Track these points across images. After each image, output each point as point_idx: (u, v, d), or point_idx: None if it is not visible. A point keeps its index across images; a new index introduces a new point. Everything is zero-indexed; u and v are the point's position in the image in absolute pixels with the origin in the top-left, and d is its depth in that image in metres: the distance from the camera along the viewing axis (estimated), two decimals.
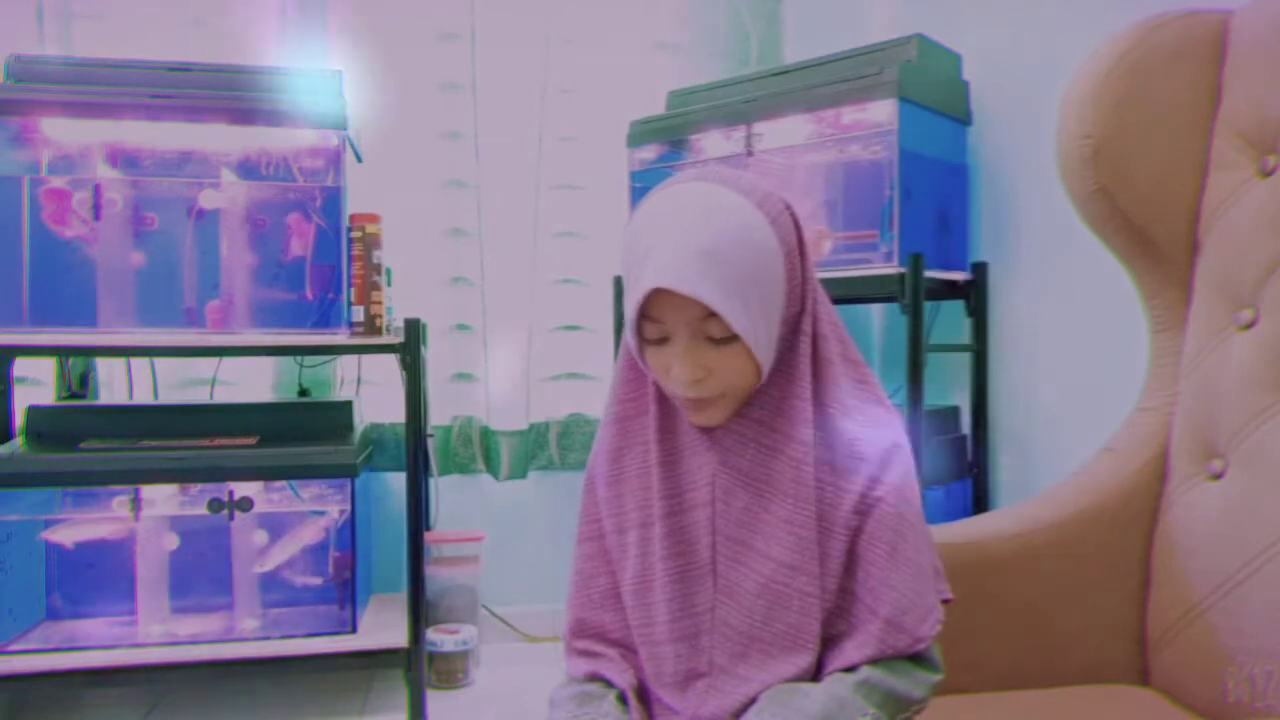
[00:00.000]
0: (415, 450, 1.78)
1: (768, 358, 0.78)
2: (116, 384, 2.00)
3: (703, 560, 0.83)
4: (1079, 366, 1.61)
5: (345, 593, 1.80)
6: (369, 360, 2.12)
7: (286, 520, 1.85)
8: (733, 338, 0.75)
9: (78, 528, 1.77)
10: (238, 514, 1.75)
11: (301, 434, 1.82)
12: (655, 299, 0.75)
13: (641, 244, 0.76)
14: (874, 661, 0.78)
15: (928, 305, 1.66)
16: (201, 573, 1.83)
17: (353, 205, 1.82)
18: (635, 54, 2.26)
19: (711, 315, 0.74)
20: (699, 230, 0.74)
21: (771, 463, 0.81)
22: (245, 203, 1.78)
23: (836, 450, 0.80)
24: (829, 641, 0.81)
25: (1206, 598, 1.00)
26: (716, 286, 0.73)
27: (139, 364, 2.00)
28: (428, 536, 2.01)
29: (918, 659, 0.80)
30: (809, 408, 0.80)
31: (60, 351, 1.81)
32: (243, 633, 1.78)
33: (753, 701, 0.78)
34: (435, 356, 2.14)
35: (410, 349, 1.76)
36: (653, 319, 0.77)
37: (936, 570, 0.84)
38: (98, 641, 1.70)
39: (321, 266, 1.80)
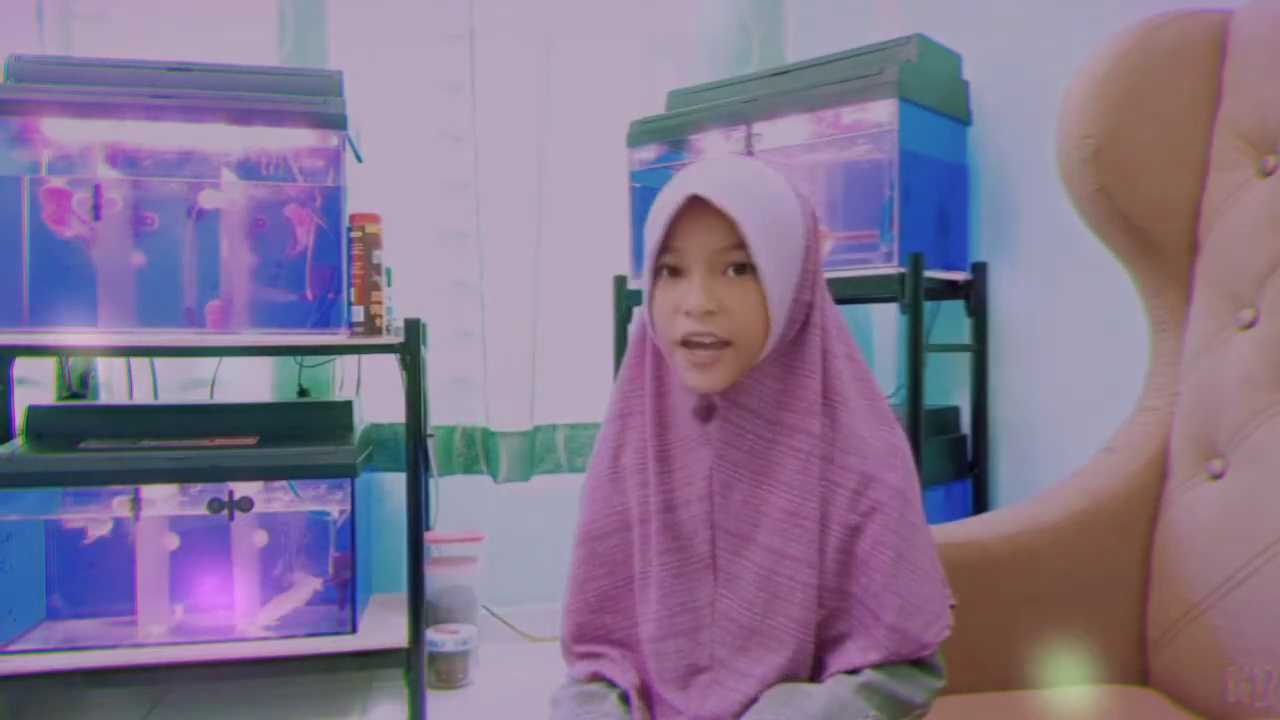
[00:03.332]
0: (415, 450, 1.78)
1: (779, 312, 0.78)
2: (116, 384, 2.00)
3: (702, 555, 0.83)
4: (1079, 366, 1.61)
5: (345, 593, 1.80)
6: (369, 360, 2.12)
7: (287, 520, 1.85)
8: (749, 272, 0.77)
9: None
10: (238, 514, 1.75)
11: (301, 434, 1.82)
12: (680, 228, 0.77)
13: (672, 186, 0.79)
14: (877, 665, 0.78)
15: (928, 305, 1.66)
16: (201, 573, 1.83)
17: (353, 205, 1.82)
18: (635, 54, 2.26)
19: (733, 246, 0.76)
20: (736, 171, 0.79)
21: (770, 453, 0.81)
22: (245, 203, 1.78)
23: (836, 444, 0.80)
24: (831, 642, 0.81)
25: (1206, 598, 1.00)
26: (749, 211, 0.75)
27: (139, 364, 2.00)
28: (428, 536, 2.01)
29: (921, 663, 0.80)
30: (818, 399, 0.80)
31: (60, 351, 1.81)
32: (243, 633, 1.78)
33: (754, 700, 0.78)
34: (435, 357, 2.14)
35: (410, 349, 1.76)
36: (672, 249, 0.78)
37: (940, 576, 0.84)
38: (98, 641, 1.70)
39: (321, 266, 1.80)
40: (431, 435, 2.14)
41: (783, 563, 0.79)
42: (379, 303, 1.80)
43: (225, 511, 1.74)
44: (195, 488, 1.72)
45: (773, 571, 0.79)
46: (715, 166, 0.81)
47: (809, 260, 0.80)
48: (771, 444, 0.81)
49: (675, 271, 0.79)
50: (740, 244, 0.75)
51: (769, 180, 0.79)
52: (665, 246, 0.78)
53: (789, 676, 0.79)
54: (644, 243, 0.81)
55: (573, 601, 0.88)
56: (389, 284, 1.88)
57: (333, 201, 1.79)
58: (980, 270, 1.82)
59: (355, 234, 1.79)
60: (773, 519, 0.80)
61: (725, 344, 0.77)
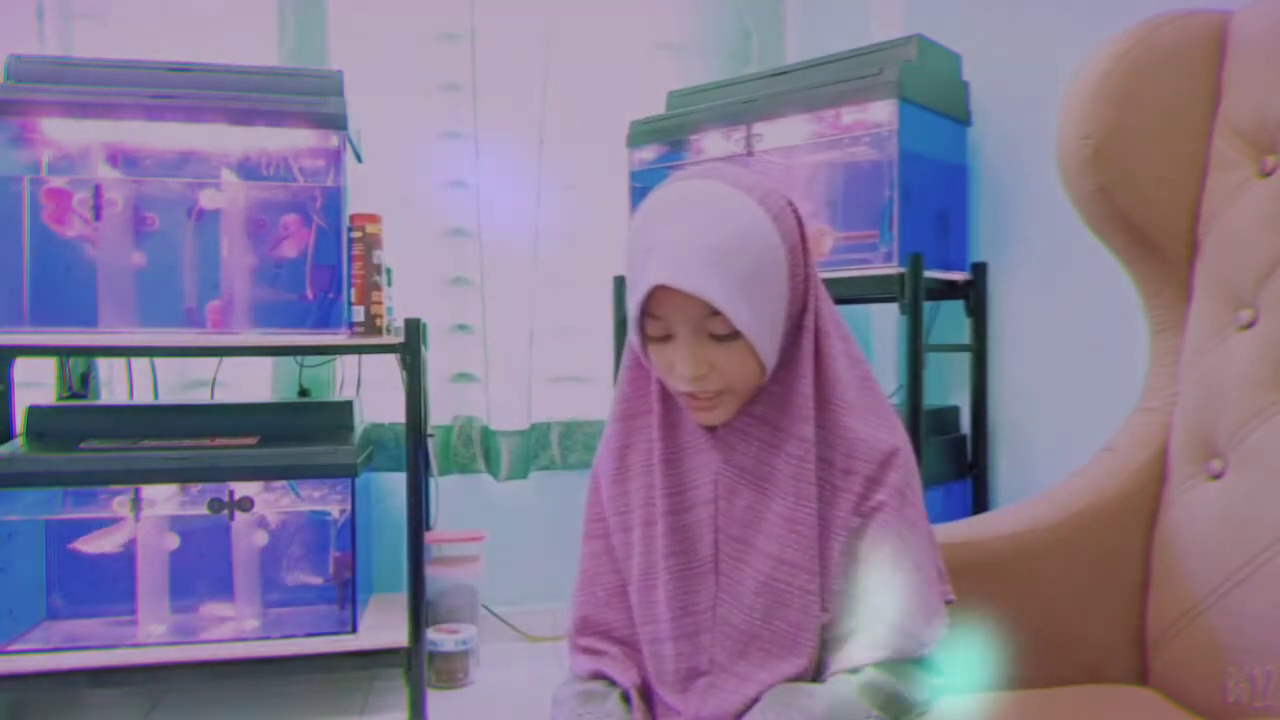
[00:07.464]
0: (415, 450, 1.78)
1: (771, 355, 0.78)
2: (117, 384, 2.00)
3: (704, 558, 0.83)
4: (1079, 366, 1.61)
5: (345, 593, 1.80)
6: (369, 360, 2.12)
7: (287, 520, 1.85)
8: (735, 335, 0.75)
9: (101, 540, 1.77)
10: (238, 514, 1.75)
11: (301, 434, 1.82)
12: (658, 296, 0.75)
13: (644, 241, 0.76)
14: (879, 664, 0.78)
15: (927, 305, 1.66)
16: (201, 573, 1.83)
17: (353, 205, 1.82)
18: (635, 54, 2.26)
19: (714, 313, 0.74)
20: (702, 227, 0.74)
21: (773, 460, 0.81)
22: (245, 203, 1.78)
23: (837, 448, 0.80)
24: (833, 643, 0.81)
25: (1206, 598, 1.00)
26: (719, 284, 0.72)
27: (139, 364, 2.00)
28: (428, 536, 2.01)
29: (922, 663, 0.80)
30: (811, 405, 0.80)
31: (60, 351, 1.81)
32: (243, 633, 1.78)
33: (755, 701, 0.78)
34: (435, 357, 2.13)
35: (410, 349, 1.76)
36: (655, 316, 0.77)
37: (940, 572, 0.84)
38: (98, 641, 1.70)
39: (321, 266, 1.80)
40: (431, 435, 2.14)
41: (781, 569, 0.79)
42: (379, 303, 1.80)
43: (225, 511, 1.74)
44: (195, 488, 1.72)
45: (771, 577, 0.79)
46: (677, 227, 0.75)
47: (796, 275, 0.79)
48: (773, 450, 0.81)
49: (663, 336, 0.78)
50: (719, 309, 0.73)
51: (736, 218, 0.75)
52: (646, 312, 0.77)
53: (792, 680, 0.79)
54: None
55: (581, 594, 0.89)
56: (389, 284, 1.88)
57: (333, 201, 1.79)
58: (980, 270, 1.82)
59: (355, 234, 1.79)
60: (773, 525, 0.80)
61: (721, 391, 0.79)
